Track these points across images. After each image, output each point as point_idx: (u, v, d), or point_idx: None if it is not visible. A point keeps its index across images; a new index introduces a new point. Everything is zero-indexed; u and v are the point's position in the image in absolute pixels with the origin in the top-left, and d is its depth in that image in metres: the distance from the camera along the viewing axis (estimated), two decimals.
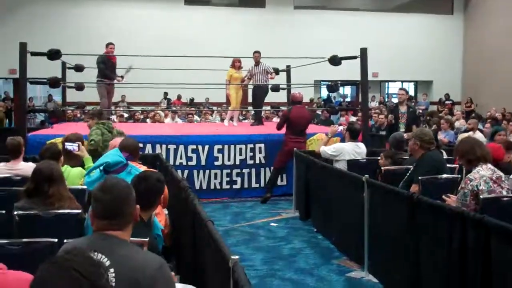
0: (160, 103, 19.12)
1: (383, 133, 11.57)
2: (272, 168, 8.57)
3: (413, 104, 21.34)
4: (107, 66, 9.81)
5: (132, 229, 2.25)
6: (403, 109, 9.30)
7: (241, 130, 9.81)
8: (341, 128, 7.79)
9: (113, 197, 2.18)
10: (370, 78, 10.78)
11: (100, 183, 2.28)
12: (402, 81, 24.33)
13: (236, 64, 10.57)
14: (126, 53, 9.90)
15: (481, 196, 3.86)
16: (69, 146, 4.96)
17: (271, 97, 11.47)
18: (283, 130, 8.42)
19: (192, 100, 19.42)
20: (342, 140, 7.42)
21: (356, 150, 6.59)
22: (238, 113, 11.59)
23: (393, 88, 25.25)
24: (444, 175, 4.92)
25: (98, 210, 2.19)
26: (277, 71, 11.53)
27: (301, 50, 15.91)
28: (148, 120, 14.44)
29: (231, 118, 11.19)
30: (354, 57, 9.38)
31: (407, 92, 9.81)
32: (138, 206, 2.30)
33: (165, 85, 14.16)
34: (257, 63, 10.82)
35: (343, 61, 9.80)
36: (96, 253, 2.01)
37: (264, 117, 14.88)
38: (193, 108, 17.23)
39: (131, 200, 2.25)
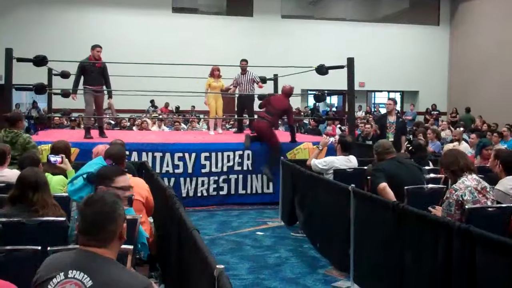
0: (148, 112, 19.06)
1: (370, 142, 11.65)
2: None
3: (398, 114, 21.51)
4: (84, 73, 8.96)
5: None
6: (391, 119, 9.53)
7: (229, 138, 9.80)
8: (332, 139, 7.79)
9: (96, 211, 2.12)
10: (356, 87, 10.86)
11: (86, 197, 2.24)
12: (389, 91, 24.52)
13: (215, 72, 10.61)
14: (112, 60, 9.84)
15: (466, 206, 3.88)
16: (52, 158, 4.90)
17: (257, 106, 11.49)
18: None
19: (177, 108, 19.38)
20: (332, 153, 7.39)
21: (347, 163, 6.58)
22: (221, 121, 11.61)
23: (380, 98, 25.44)
24: (430, 185, 4.93)
25: (81, 225, 2.13)
26: (264, 80, 11.59)
27: (288, 59, 15.99)
28: (134, 127, 14.38)
29: (215, 127, 11.20)
30: (341, 67, 9.43)
31: (395, 102, 9.99)
32: (125, 225, 2.23)
33: (152, 93, 14.13)
34: (244, 71, 10.85)
35: (330, 71, 9.85)
36: (78, 272, 1.97)
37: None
38: (180, 116, 17.19)
39: (116, 217, 2.16)
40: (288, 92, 9.03)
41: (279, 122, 14.24)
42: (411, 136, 11.23)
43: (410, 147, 6.67)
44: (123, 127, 14.33)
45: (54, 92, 12.42)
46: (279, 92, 9.87)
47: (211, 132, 11.09)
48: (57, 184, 4.66)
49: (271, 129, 8.87)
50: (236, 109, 11.46)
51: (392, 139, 8.98)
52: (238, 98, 11.06)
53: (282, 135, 11.31)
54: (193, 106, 19.37)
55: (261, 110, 9.18)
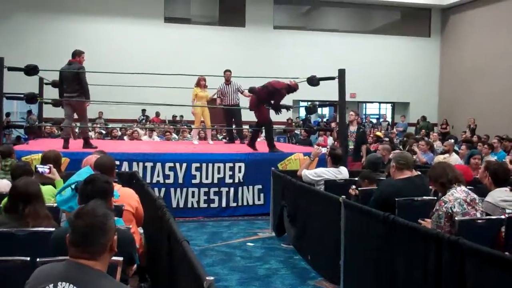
0: (140, 121, 19.05)
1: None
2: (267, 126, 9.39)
3: (389, 126, 21.58)
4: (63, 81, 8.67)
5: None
6: (352, 128, 10.54)
7: (220, 149, 9.80)
8: (324, 150, 7.80)
9: (86, 223, 2.11)
10: (348, 98, 10.91)
11: (77, 208, 2.23)
12: (380, 102, 24.67)
13: (201, 82, 10.72)
14: (104, 69, 9.83)
15: (456, 218, 3.90)
16: (40, 168, 4.89)
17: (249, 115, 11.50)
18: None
19: (174, 117, 19.46)
20: (323, 164, 7.40)
21: (338, 175, 6.59)
22: (210, 132, 11.66)
23: (371, 109, 25.55)
24: (422, 197, 4.94)
25: (71, 236, 2.12)
26: (252, 90, 11.58)
27: (280, 70, 16.01)
28: (125, 137, 14.33)
29: (204, 137, 11.25)
30: (332, 78, 9.48)
31: (357, 114, 11.17)
32: (116, 237, 2.22)
33: (143, 103, 14.12)
34: (228, 81, 10.94)
35: (321, 82, 9.89)
36: (68, 284, 1.96)
37: (245, 136, 14.92)
38: (171, 126, 17.18)
39: (107, 229, 2.15)
40: (294, 85, 9.15)
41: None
42: (400, 147, 11.30)
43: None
44: (114, 137, 14.27)
45: (45, 101, 12.36)
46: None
47: (194, 141, 11.13)
48: (46, 194, 4.63)
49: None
50: (225, 119, 11.47)
51: (352, 147, 10.21)
52: (224, 109, 11.11)
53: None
54: (182, 116, 19.39)
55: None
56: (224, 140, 12.19)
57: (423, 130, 18.31)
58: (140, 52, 19.70)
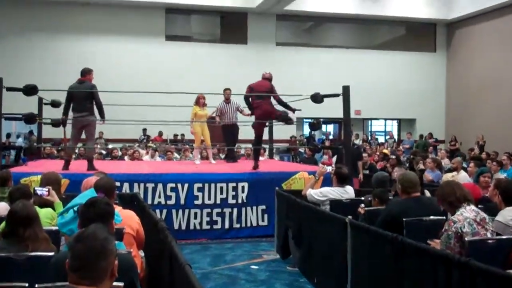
0: (141, 141, 19.10)
1: (367, 172, 11.69)
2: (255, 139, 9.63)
3: (395, 143, 21.56)
4: (72, 98, 8.61)
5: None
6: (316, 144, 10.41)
7: (222, 168, 9.79)
8: (329, 169, 7.78)
9: (86, 247, 2.09)
10: (352, 115, 10.91)
11: (77, 232, 2.22)
12: (385, 119, 24.66)
13: (200, 101, 10.77)
14: (104, 88, 9.85)
15: (465, 239, 3.87)
16: (39, 190, 4.88)
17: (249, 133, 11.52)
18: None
19: (176, 136, 19.50)
20: (328, 183, 7.39)
21: (344, 195, 6.56)
22: (211, 151, 11.68)
23: (377, 126, 25.54)
24: (431, 217, 4.92)
25: (70, 261, 2.10)
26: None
27: (283, 87, 16.03)
28: (126, 157, 14.36)
29: (206, 157, 11.27)
30: (337, 95, 9.50)
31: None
32: (116, 262, 2.20)
33: (144, 122, 14.17)
34: (227, 100, 11.00)
35: (325, 99, 9.91)
36: None
37: (245, 155, 14.94)
38: (172, 146, 17.21)
39: (107, 254, 2.13)
40: (268, 77, 9.74)
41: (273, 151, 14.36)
42: (407, 165, 11.27)
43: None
44: (115, 157, 14.30)
45: (44, 122, 12.40)
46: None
47: (196, 161, 11.14)
48: (44, 217, 4.62)
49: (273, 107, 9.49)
50: (224, 138, 11.51)
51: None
52: (224, 127, 11.15)
53: (277, 164, 11.31)
54: (183, 135, 19.43)
55: (247, 100, 9.66)
56: (226, 160, 12.20)
57: (430, 148, 18.24)
58: (140, 70, 19.86)
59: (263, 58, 21.33)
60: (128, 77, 19.06)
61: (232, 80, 16.92)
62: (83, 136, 8.88)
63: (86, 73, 8.77)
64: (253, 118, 9.78)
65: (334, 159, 15.13)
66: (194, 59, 20.72)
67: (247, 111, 11.05)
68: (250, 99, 9.56)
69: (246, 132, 11.65)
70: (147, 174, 8.57)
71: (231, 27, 22.18)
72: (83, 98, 8.50)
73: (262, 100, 9.31)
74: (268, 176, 8.96)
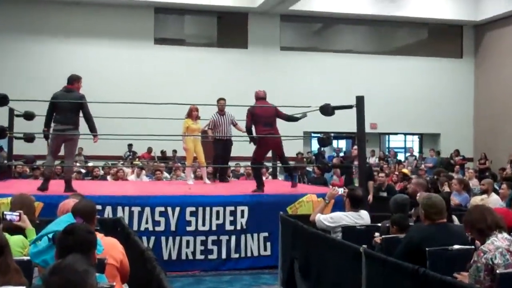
0: (126, 158, 19.11)
1: (385, 194, 11.67)
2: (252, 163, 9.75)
3: (415, 159, 21.53)
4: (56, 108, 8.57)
5: None
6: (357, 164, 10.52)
7: (218, 190, 9.78)
8: (341, 191, 7.76)
9: (63, 281, 2.09)
10: (368, 130, 10.96)
11: (53, 264, 2.21)
12: (405, 134, 24.68)
13: (193, 113, 10.81)
14: (87, 97, 9.83)
15: (497, 271, 3.85)
16: (9, 215, 4.87)
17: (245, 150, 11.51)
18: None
19: (164, 153, 19.51)
20: (340, 207, 7.37)
21: (358, 221, 6.54)
22: (205, 170, 11.69)
23: (395, 141, 25.55)
24: (456, 246, 4.90)
25: None
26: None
27: (288, 97, 16.14)
28: (109, 177, 14.36)
29: (200, 176, 11.30)
30: (350, 107, 9.51)
31: None
32: None
33: (130, 136, 14.18)
34: (221, 112, 11.04)
35: (337, 111, 9.92)
36: None
37: (245, 174, 14.94)
38: (162, 164, 17.21)
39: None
40: (263, 96, 9.73)
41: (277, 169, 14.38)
42: (430, 187, 11.23)
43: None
44: (96, 177, 14.30)
45: (15, 136, 12.40)
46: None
47: (189, 181, 11.16)
48: (15, 245, 4.60)
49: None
50: (214, 154, 11.51)
51: (358, 184, 10.04)
52: (216, 142, 11.18)
53: (282, 185, 11.31)
54: (174, 151, 19.43)
55: (249, 128, 9.66)
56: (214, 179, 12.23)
57: (457, 167, 18.19)
58: (125, 78, 19.97)
59: (266, 64, 21.42)
60: (111, 86, 19.15)
61: (231, 89, 17.09)
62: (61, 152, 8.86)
63: (74, 80, 8.74)
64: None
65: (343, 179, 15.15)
66: (187, 65, 20.81)
67: (241, 126, 11.12)
68: (254, 127, 9.58)
69: (240, 148, 11.67)
70: (133, 197, 8.56)
71: (230, 29, 22.31)
72: (69, 109, 8.49)
73: (271, 128, 9.41)
74: (271, 199, 8.95)
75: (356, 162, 10.72)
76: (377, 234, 5.73)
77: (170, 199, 8.59)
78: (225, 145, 11.20)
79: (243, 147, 11.62)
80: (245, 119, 9.63)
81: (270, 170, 14.09)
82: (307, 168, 18.02)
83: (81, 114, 8.62)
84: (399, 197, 6.75)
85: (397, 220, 5.93)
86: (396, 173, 15.65)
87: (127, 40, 20.58)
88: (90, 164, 17.04)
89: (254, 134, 9.54)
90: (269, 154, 11.13)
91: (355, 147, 11.25)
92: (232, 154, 11.69)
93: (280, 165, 11.50)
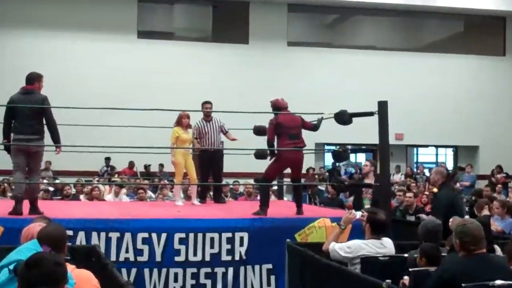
0: (102, 174, 19.09)
1: (412, 218, 11.64)
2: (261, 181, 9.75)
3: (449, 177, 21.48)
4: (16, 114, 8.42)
5: None
6: (368, 182, 10.68)
7: (213, 212, 9.76)
8: (359, 214, 7.70)
9: None
10: (392, 141, 10.91)
11: None
12: (437, 146, 24.65)
13: (183, 120, 10.74)
14: (54, 101, 9.79)
15: None
16: None
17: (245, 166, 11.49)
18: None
19: (148, 168, 19.51)
20: (359, 234, 7.34)
21: (381, 250, 6.51)
22: (196, 189, 11.65)
23: (425, 155, 25.53)
24: (498, 281, 4.88)
25: None
26: (258, 130, 11.57)
27: (296, 101, 16.02)
28: (82, 196, 14.35)
29: (187, 196, 11.28)
30: (370, 114, 9.50)
31: (373, 164, 11.25)
32: None
33: (107, 148, 14.15)
34: (208, 117, 11.02)
35: (355, 118, 9.93)
36: None
37: (245, 193, 14.92)
38: (145, 181, 17.20)
39: None
40: (285, 106, 9.75)
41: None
42: (466, 212, 11.24)
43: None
44: (67, 196, 14.28)
45: None
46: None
47: (178, 202, 11.12)
48: None
49: None
50: (200, 170, 11.49)
51: (369, 206, 10.22)
52: (201, 155, 11.17)
53: (289, 206, 11.29)
54: (161, 166, 19.40)
55: (271, 140, 9.58)
56: (230, 199, 12.26)
57: (499, 186, 18.16)
58: (102, 78, 20.00)
59: (270, 62, 21.42)
60: (84, 87, 19.18)
61: (228, 92, 17.08)
62: None
63: (34, 80, 8.51)
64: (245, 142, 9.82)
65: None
66: (177, 63, 20.81)
67: (232, 134, 11.12)
68: (277, 140, 9.58)
69: (233, 162, 11.66)
70: (111, 220, 8.53)
71: (227, 22, 22.37)
72: (30, 115, 8.33)
73: (298, 140, 9.47)
74: (276, 224, 8.91)
75: (367, 181, 10.81)
76: (405, 277, 5.70)
77: (155, 223, 8.57)
78: (212, 158, 11.15)
79: (240, 161, 11.62)
80: (267, 131, 9.65)
81: (274, 188, 14.04)
82: (319, 187, 18.00)
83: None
84: (430, 222, 6.73)
85: (427, 251, 5.90)
86: (426, 193, 15.60)
87: (104, 32, 20.59)
88: (59, 181, 17.01)
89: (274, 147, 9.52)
90: None
91: (366, 162, 11.45)
92: (229, 169, 11.67)
93: (287, 183, 11.46)
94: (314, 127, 9.94)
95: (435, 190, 16.01)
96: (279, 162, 9.49)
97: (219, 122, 11.18)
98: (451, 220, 6.75)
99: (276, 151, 9.41)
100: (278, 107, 9.71)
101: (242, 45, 21.87)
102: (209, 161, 11.20)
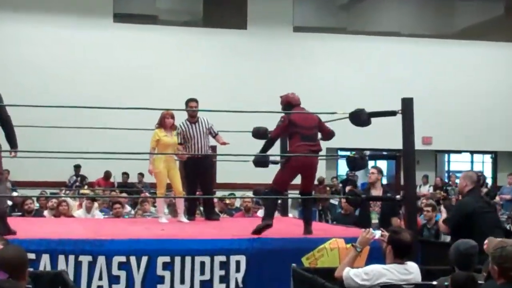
0: (71, 185, 19.10)
1: (447, 239, 11.63)
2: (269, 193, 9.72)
3: (487, 187, 21.48)
4: None
5: None
6: (375, 193, 10.74)
7: (204, 231, 9.76)
8: (379, 234, 7.67)
9: None
10: (418, 146, 10.93)
11: None
12: (472, 152, 24.63)
13: (167, 120, 10.68)
14: (13, 97, 9.79)
15: None
16: None
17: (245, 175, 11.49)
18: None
19: (125, 178, 19.53)
20: (378, 258, 7.34)
21: (405, 276, 6.51)
22: (183, 203, 11.64)
23: (458, 163, 25.54)
24: None
25: None
26: (258, 132, 11.57)
27: (303, 97, 16.04)
28: (46, 212, 14.35)
29: (173, 211, 11.25)
30: (393, 113, 9.52)
31: (380, 172, 11.29)
32: None
33: (76, 155, 14.17)
34: (193, 118, 11.00)
35: (374, 119, 9.94)
36: None
37: (242, 209, 14.91)
38: (123, 193, 17.19)
39: None
40: (298, 102, 9.78)
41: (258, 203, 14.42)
42: (509, 227, 11.23)
43: None
44: (28, 212, 14.27)
45: None
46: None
47: (162, 218, 11.12)
48: None
49: None
50: (185, 180, 11.48)
51: (378, 222, 10.34)
52: (187, 163, 11.16)
53: (295, 224, 11.30)
54: (141, 175, 19.37)
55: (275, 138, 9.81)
56: (224, 215, 12.25)
57: None
58: (71, 69, 19.95)
59: (273, 51, 21.46)
60: (49, 81, 19.16)
61: (222, 86, 17.10)
62: None
63: None
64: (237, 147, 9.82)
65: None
66: (161, 52, 20.85)
67: (222, 138, 11.11)
68: (288, 140, 9.66)
69: (228, 171, 11.64)
70: (81, 241, 8.53)
71: (221, 3, 22.38)
72: None
73: (314, 143, 9.48)
74: (279, 245, 8.92)
75: (374, 191, 10.87)
76: None
77: (134, 244, 8.57)
78: (200, 165, 11.14)
79: (236, 170, 11.60)
80: (275, 127, 9.67)
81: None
82: (332, 201, 18.01)
83: None
84: (463, 244, 6.71)
85: (459, 281, 5.88)
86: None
87: (73, 15, 20.53)
88: (19, 193, 17.00)
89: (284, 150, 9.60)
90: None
91: (373, 169, 11.34)
92: (222, 179, 11.66)
93: (294, 195, 11.46)
94: (330, 135, 9.96)
95: None
96: (290, 166, 9.42)
97: (207, 124, 11.13)
98: (486, 242, 6.75)
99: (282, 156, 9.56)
100: (288, 103, 9.72)
101: (239, 31, 21.89)
102: (196, 170, 11.16)
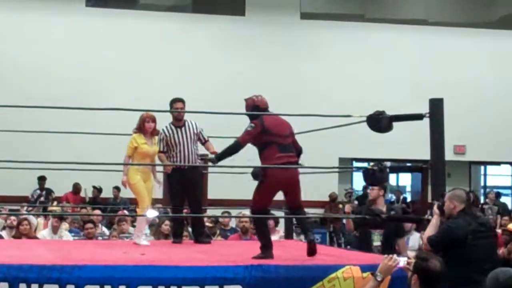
0: (35, 200, 19.12)
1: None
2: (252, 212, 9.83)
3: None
4: None
5: None
6: (378, 211, 10.79)
7: (192, 256, 9.79)
8: (403, 261, 7.69)
9: None
10: (450, 157, 10.98)
11: None
12: None
13: (146, 124, 10.64)
14: None
15: None
16: None
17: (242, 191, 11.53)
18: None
19: (97, 193, 19.54)
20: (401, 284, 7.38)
21: None
22: (144, 222, 11.64)
23: (496, 176, 25.56)
24: None
25: None
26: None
27: (312, 96, 16.22)
28: (5, 232, 14.39)
29: (156, 232, 11.25)
30: (419, 117, 9.55)
31: (382, 187, 11.50)
32: None
33: (41, 165, 14.21)
34: (179, 122, 11.01)
35: (396, 124, 9.97)
36: None
37: (239, 230, 14.96)
38: (96, 210, 17.22)
39: None
40: (266, 106, 9.61)
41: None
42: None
43: None
44: None
45: None
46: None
47: (142, 241, 11.11)
48: None
49: None
50: (170, 195, 11.50)
51: (380, 243, 10.68)
52: (170, 174, 11.16)
53: (301, 249, 11.35)
54: (117, 189, 19.35)
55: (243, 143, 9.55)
56: (219, 238, 12.27)
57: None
58: (36, 63, 19.97)
59: (276, 41, 21.48)
60: (9, 77, 19.19)
61: (215, 81, 17.12)
62: None
63: None
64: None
65: (414, 241, 15.16)
66: (143, 42, 20.92)
67: (211, 145, 11.12)
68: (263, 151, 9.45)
69: (221, 185, 11.64)
70: (46, 267, 8.54)
71: None
72: None
73: (292, 154, 9.38)
74: (282, 273, 8.92)
75: (380, 206, 11.03)
76: None
77: (109, 271, 8.58)
78: (186, 177, 11.15)
79: (231, 184, 11.61)
80: (243, 132, 9.40)
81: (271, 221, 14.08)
82: (344, 221, 18.04)
83: None
84: (503, 274, 6.74)
85: None
86: (499, 230, 15.64)
87: (40, 1, 20.62)
88: None
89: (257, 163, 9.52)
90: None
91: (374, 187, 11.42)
92: (215, 195, 11.63)
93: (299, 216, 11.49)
94: (299, 152, 9.83)
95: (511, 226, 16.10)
96: (269, 184, 9.31)
97: (195, 128, 11.10)
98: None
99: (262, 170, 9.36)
100: (257, 107, 9.60)
101: (237, 18, 21.94)
102: (182, 183, 11.12)
